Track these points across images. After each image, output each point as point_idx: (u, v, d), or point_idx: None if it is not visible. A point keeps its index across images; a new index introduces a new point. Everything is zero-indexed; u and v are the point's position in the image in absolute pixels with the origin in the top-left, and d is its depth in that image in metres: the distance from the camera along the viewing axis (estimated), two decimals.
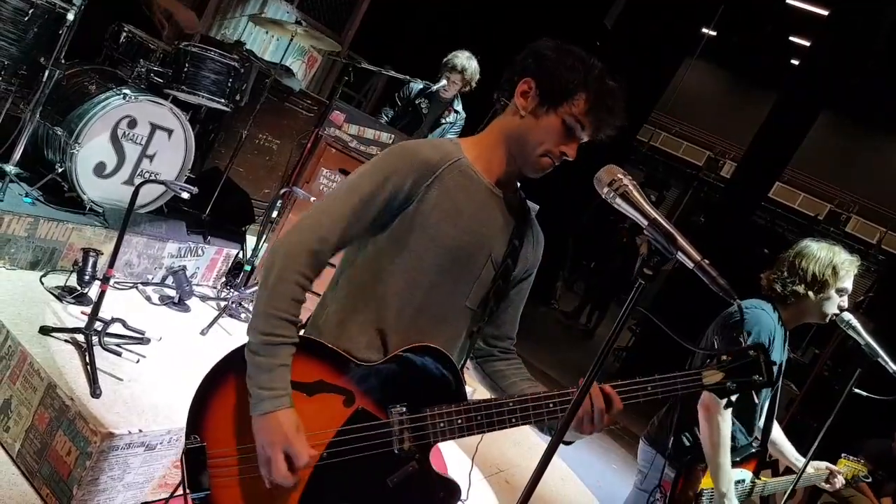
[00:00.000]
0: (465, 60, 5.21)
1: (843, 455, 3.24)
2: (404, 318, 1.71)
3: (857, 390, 2.82)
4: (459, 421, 1.67)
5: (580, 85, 1.66)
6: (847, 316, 2.78)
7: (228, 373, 1.67)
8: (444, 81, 5.14)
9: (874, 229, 15.70)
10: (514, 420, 1.69)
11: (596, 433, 1.68)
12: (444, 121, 5.46)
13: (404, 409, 1.67)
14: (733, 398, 1.67)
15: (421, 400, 1.68)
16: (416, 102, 5.44)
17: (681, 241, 1.38)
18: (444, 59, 5.27)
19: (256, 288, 1.61)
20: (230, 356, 1.68)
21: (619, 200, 1.44)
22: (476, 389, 3.37)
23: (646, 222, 1.40)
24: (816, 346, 11.07)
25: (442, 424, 1.67)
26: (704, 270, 1.38)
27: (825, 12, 9.72)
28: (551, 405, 1.67)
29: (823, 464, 3.16)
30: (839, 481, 3.15)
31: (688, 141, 16.24)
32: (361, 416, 1.66)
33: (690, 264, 1.38)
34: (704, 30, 11.86)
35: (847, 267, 2.78)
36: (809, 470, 3.12)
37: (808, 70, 10.01)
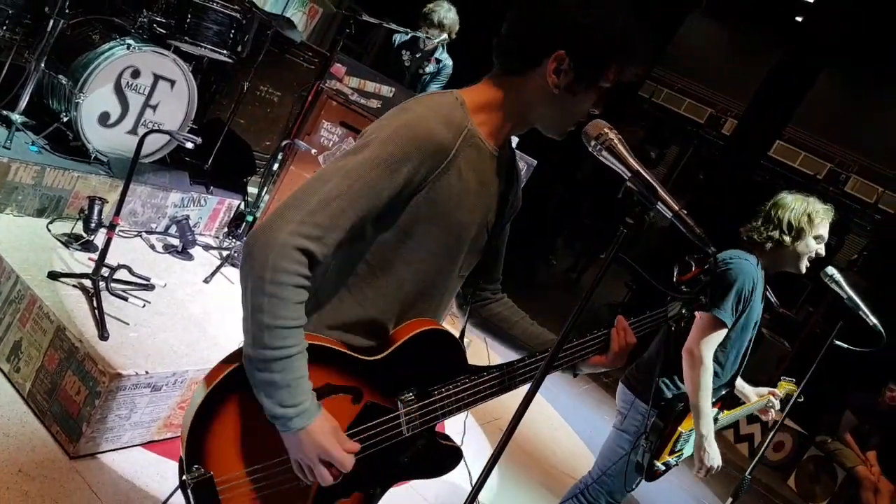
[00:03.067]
0: (445, 13, 5.17)
1: (782, 377, 3.36)
2: (406, 304, 1.66)
3: (838, 342, 2.93)
4: (466, 397, 1.70)
5: (615, 53, 1.56)
6: (830, 270, 2.88)
7: (227, 393, 1.52)
8: (426, 32, 5.14)
9: (873, 189, 15.72)
10: (518, 382, 1.76)
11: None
12: (423, 71, 5.43)
13: (412, 395, 1.65)
14: None
15: (427, 382, 1.68)
16: (401, 53, 5.43)
17: (661, 192, 1.44)
18: (423, 11, 5.22)
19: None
20: (226, 378, 1.51)
21: (604, 153, 1.48)
22: (472, 340, 3.47)
23: (629, 174, 1.46)
24: (811, 304, 11.20)
25: (449, 403, 1.69)
26: (682, 220, 1.46)
27: None
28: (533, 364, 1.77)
29: (766, 389, 3.29)
30: (772, 414, 3.27)
31: (690, 98, 16.14)
32: (371, 411, 1.62)
33: (669, 214, 1.45)
34: None
35: (822, 215, 2.90)
36: (753, 397, 3.30)
37: (811, 26, 9.96)
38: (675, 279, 1.68)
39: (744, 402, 3.32)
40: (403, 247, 1.58)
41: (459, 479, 2.10)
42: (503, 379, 1.75)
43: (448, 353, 1.72)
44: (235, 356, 1.53)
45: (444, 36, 5.21)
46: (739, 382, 3.29)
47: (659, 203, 1.45)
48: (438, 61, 5.44)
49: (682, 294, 1.73)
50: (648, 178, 1.44)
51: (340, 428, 1.55)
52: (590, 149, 1.50)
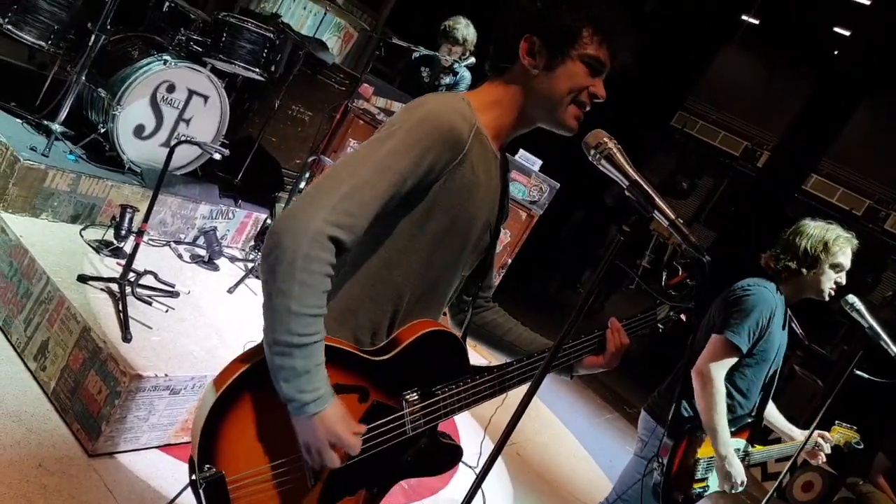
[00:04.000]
0: (464, 29, 5.24)
1: (836, 422, 3.27)
2: (414, 300, 1.69)
3: (858, 372, 2.89)
4: (467, 396, 1.74)
5: (583, 19, 1.60)
6: (851, 298, 2.83)
7: (240, 393, 1.53)
8: (444, 54, 5.22)
9: None
10: (514, 383, 1.81)
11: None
12: (439, 83, 5.48)
13: (416, 395, 1.69)
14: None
15: (431, 381, 1.71)
16: (419, 69, 5.49)
17: (658, 201, 1.47)
18: (442, 27, 5.28)
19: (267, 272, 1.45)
20: (240, 378, 1.52)
21: (604, 162, 1.51)
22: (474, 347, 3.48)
23: (627, 183, 1.50)
24: (846, 342, 11.00)
25: (451, 402, 1.73)
26: (678, 228, 1.49)
27: (868, 1, 9.57)
28: (539, 362, 1.81)
29: (816, 432, 3.17)
30: (821, 457, 3.18)
31: (726, 130, 16.05)
32: (377, 410, 1.65)
33: (665, 222, 1.49)
34: (744, 17, 11.75)
35: (841, 243, 2.85)
36: (800, 438, 3.18)
37: (848, 60, 9.89)
38: (663, 283, 1.71)
39: (782, 440, 3.26)
40: (416, 239, 1.61)
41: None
42: (503, 378, 1.79)
43: (451, 354, 1.75)
44: (248, 356, 1.56)
45: (471, 59, 5.29)
46: (788, 425, 3.24)
47: (655, 211, 1.48)
48: (455, 73, 5.49)
49: (672, 298, 1.76)
50: (646, 187, 1.48)
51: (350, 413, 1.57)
52: (589, 158, 1.54)
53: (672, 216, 1.49)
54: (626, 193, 1.51)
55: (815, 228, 2.89)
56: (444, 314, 1.91)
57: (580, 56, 1.61)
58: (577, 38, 1.60)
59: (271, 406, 1.52)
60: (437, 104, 1.59)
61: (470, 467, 1.90)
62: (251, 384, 1.53)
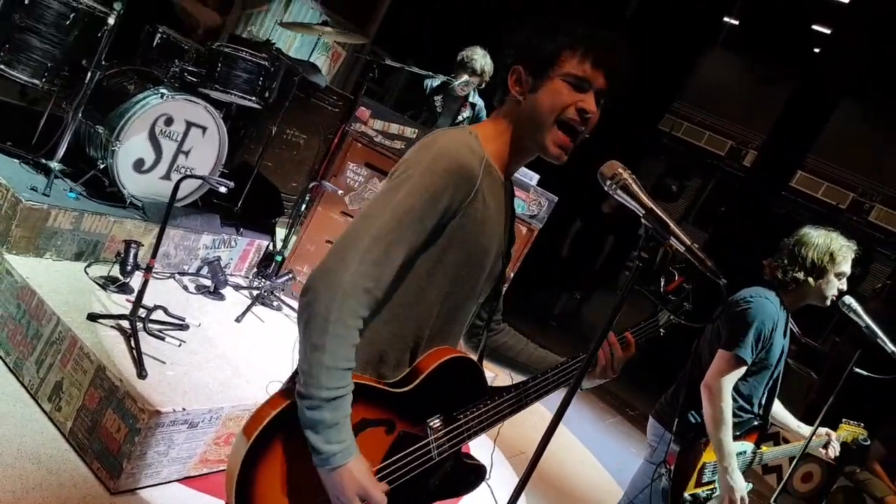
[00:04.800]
0: (482, 59, 5.27)
1: (843, 420, 3.33)
2: (435, 331, 1.73)
3: (857, 370, 2.95)
4: (490, 415, 1.79)
5: (563, 45, 1.64)
6: (848, 299, 2.91)
7: (272, 437, 1.55)
8: (464, 78, 5.22)
9: None
10: (531, 400, 1.85)
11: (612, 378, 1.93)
12: (461, 118, 5.53)
13: (439, 421, 1.73)
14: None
15: (452, 406, 1.75)
16: (433, 99, 5.53)
17: (673, 227, 1.52)
18: (460, 58, 5.31)
19: (304, 330, 1.51)
20: (271, 423, 1.54)
21: (619, 192, 1.56)
22: (497, 375, 3.53)
23: (643, 211, 1.54)
24: (836, 334, 11.08)
25: (474, 424, 1.77)
26: (694, 253, 1.54)
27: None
28: (554, 377, 1.86)
29: (824, 430, 3.24)
30: (832, 450, 3.24)
31: (710, 131, 16.19)
32: (404, 439, 1.68)
33: (682, 248, 1.53)
34: (726, 19, 11.89)
35: (845, 253, 2.92)
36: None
37: (829, 57, 10.03)
38: (661, 290, 1.76)
39: (784, 438, 3.32)
40: (435, 274, 1.65)
41: None
42: (520, 397, 1.83)
43: (470, 378, 1.80)
44: (275, 402, 1.58)
45: (477, 83, 5.32)
46: (797, 423, 3.31)
47: (671, 238, 1.53)
48: (473, 105, 5.54)
49: (671, 303, 1.83)
50: (661, 214, 1.53)
51: (372, 465, 1.61)
52: (605, 188, 1.59)
53: (688, 242, 1.54)
54: (643, 221, 1.55)
55: (818, 238, 2.94)
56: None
57: (560, 76, 1.65)
58: (557, 59, 1.64)
59: (302, 451, 1.54)
60: (446, 142, 1.63)
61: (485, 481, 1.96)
62: (281, 430, 1.56)
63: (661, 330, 1.99)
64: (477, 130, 1.72)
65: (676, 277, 1.81)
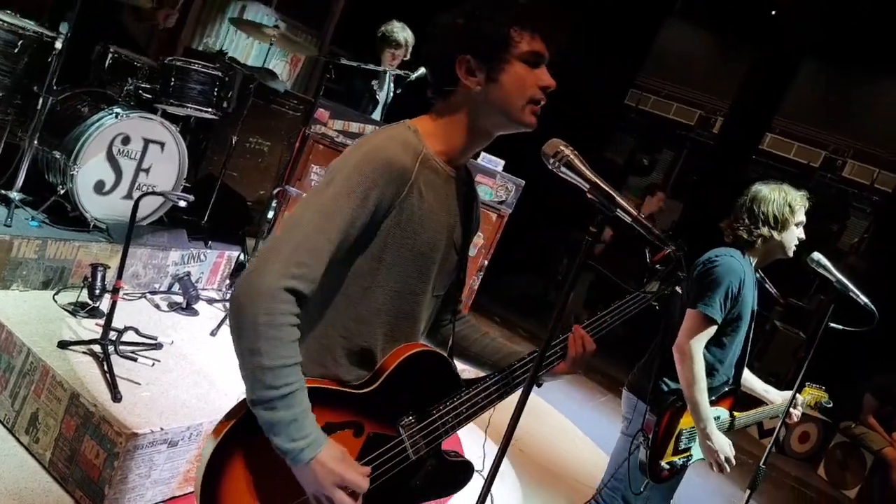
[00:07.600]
0: (402, 31, 5.26)
1: (807, 384, 3.36)
2: (387, 329, 1.70)
3: (833, 325, 2.97)
4: (464, 410, 1.75)
5: (505, 21, 1.61)
6: (816, 255, 2.93)
7: (232, 447, 1.55)
8: (421, 70, 5.17)
9: (870, 171, 15.72)
10: (507, 391, 1.81)
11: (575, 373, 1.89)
12: (412, 77, 5.34)
13: (412, 419, 1.71)
14: None
15: (425, 402, 1.72)
16: (370, 85, 5.48)
17: (619, 199, 1.52)
18: (380, 34, 5.28)
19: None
20: (228, 433, 1.54)
21: (563, 169, 1.56)
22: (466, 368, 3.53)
23: (587, 186, 1.54)
24: (822, 292, 11.18)
25: (449, 420, 1.74)
26: (641, 223, 1.56)
27: None
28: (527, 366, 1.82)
29: (789, 393, 3.25)
30: (796, 413, 3.25)
31: (678, 102, 16.22)
32: (374, 441, 1.66)
33: (628, 219, 1.54)
34: None
35: (800, 201, 3.01)
36: (778, 400, 3.30)
37: (786, 18, 10.09)
38: (648, 261, 1.75)
39: (766, 405, 3.34)
40: (378, 273, 1.63)
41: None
42: (498, 387, 1.80)
43: (439, 372, 1.77)
44: (236, 411, 1.57)
45: (421, 70, 5.27)
46: (764, 387, 3.34)
47: (618, 210, 1.53)
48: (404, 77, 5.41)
49: (658, 273, 1.81)
50: (606, 187, 1.53)
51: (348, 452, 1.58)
52: (549, 167, 1.58)
53: (634, 213, 1.55)
54: (588, 196, 1.54)
55: (773, 192, 3.00)
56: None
57: (517, 56, 1.62)
58: (507, 40, 1.61)
59: (268, 455, 1.52)
60: (378, 141, 1.61)
61: (476, 471, 1.92)
62: (242, 437, 1.54)
63: (655, 304, 1.95)
64: (417, 125, 1.69)
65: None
